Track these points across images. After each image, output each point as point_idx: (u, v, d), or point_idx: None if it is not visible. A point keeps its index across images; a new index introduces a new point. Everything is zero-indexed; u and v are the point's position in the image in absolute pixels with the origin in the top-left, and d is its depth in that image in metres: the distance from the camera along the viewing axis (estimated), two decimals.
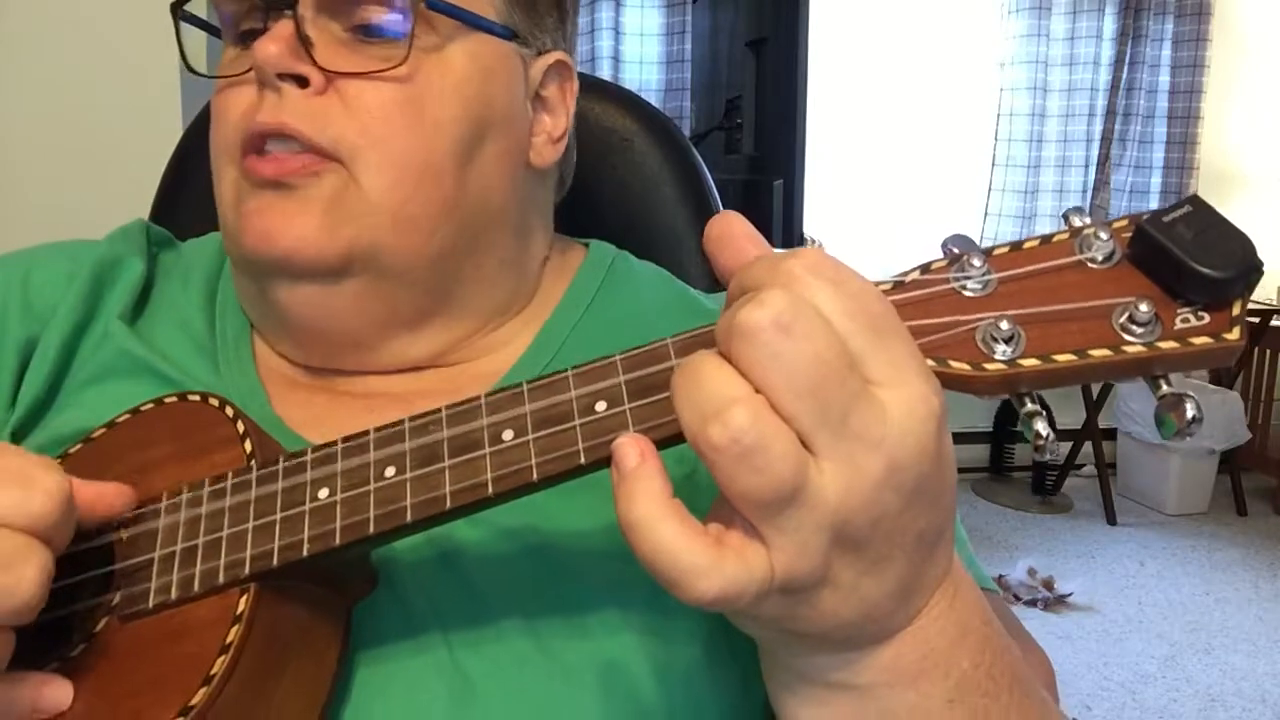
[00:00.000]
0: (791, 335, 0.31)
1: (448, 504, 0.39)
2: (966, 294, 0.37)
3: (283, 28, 0.51)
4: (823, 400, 0.32)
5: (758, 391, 0.32)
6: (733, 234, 0.37)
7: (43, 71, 1.61)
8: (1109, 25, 3.62)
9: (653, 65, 3.25)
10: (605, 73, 3.17)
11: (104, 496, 0.43)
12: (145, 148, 1.17)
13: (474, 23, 0.55)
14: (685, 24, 3.25)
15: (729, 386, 0.32)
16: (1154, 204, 3.76)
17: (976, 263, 0.37)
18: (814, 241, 3.57)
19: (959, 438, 3.74)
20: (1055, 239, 0.38)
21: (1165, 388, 0.36)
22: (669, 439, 0.37)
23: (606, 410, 0.38)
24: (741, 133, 3.57)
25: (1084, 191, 3.70)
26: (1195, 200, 0.36)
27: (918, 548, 0.36)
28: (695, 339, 0.38)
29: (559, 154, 0.62)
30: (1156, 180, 3.75)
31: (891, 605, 0.37)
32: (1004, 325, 0.36)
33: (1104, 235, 0.37)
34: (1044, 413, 0.36)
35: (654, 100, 3.19)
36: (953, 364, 0.36)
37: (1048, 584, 2.83)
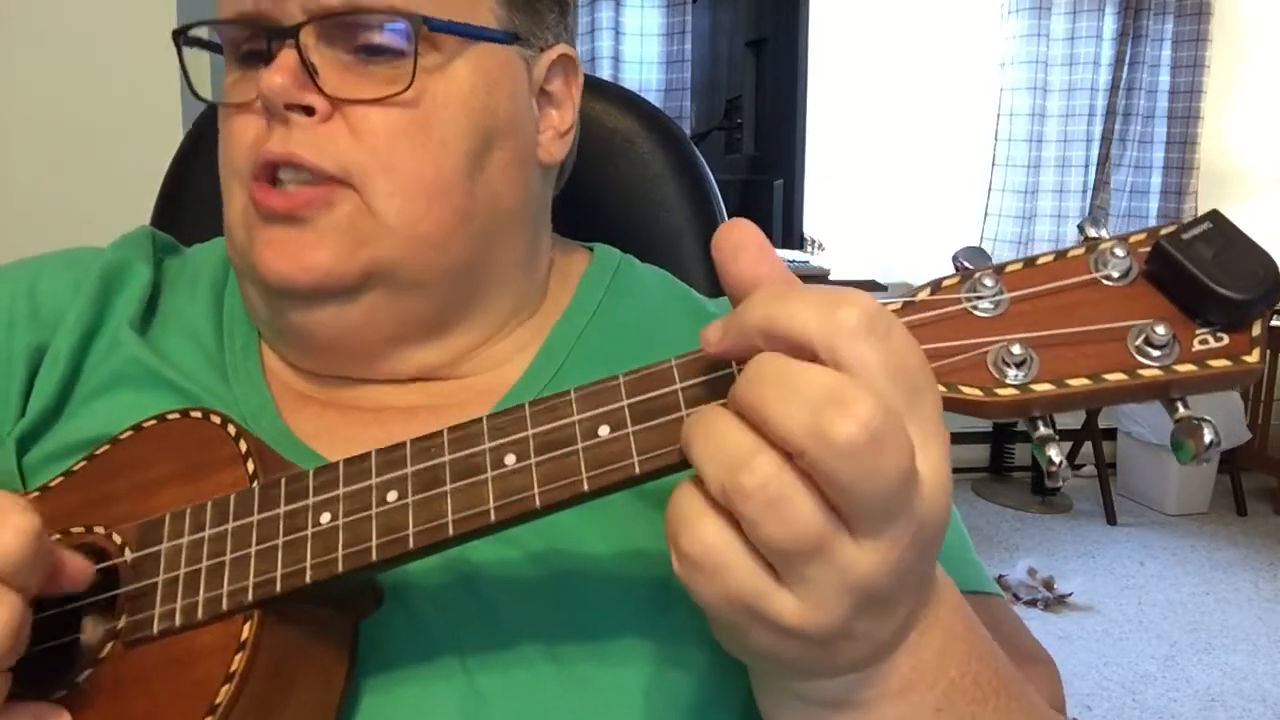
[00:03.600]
0: (884, 452, 0.31)
1: (450, 531, 0.38)
2: (978, 314, 0.37)
3: (286, 57, 0.51)
4: (895, 501, 0.32)
5: (837, 497, 0.32)
6: (745, 244, 0.37)
7: (43, 77, 1.60)
8: (1109, 25, 3.62)
9: (653, 65, 3.24)
10: (605, 73, 3.17)
11: (66, 570, 0.41)
12: (146, 152, 1.16)
13: (475, 35, 0.55)
14: (685, 24, 3.24)
15: (749, 438, 0.33)
16: (1154, 204, 3.76)
17: (989, 282, 0.37)
18: (814, 241, 3.57)
19: (959, 438, 3.74)
20: (1070, 254, 0.37)
21: (1182, 410, 0.35)
22: (670, 466, 0.37)
23: (610, 435, 0.37)
24: (741, 133, 3.58)
25: (1084, 191, 3.69)
26: (1216, 216, 0.35)
27: (920, 583, 0.37)
28: (699, 359, 0.38)
29: (567, 147, 0.62)
30: (1156, 180, 3.75)
31: (896, 638, 0.37)
32: (1016, 349, 0.36)
33: (1120, 252, 0.36)
34: (1057, 438, 0.36)
35: (654, 100, 3.17)
36: (964, 389, 0.36)
37: (1048, 584, 2.83)
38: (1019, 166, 3.65)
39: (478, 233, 0.56)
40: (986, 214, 3.69)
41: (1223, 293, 0.34)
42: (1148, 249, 0.36)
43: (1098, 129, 3.67)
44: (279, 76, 0.50)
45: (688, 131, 3.28)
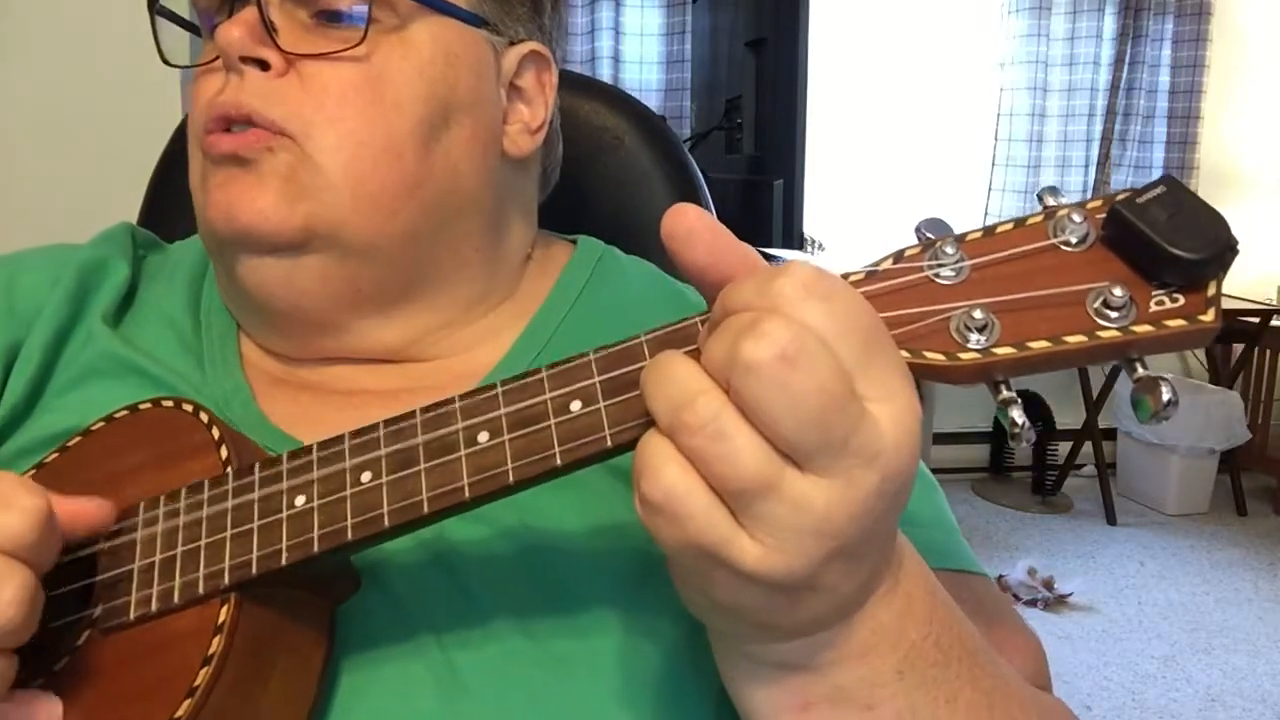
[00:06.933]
0: (796, 368, 0.32)
1: (425, 509, 0.39)
2: (940, 282, 0.37)
3: (247, 13, 0.52)
4: (825, 428, 0.32)
5: (762, 423, 0.32)
6: (697, 230, 0.38)
7: (40, 73, 1.61)
8: (1109, 25, 3.62)
9: (653, 65, 3.25)
10: (605, 73, 3.17)
11: (83, 514, 0.42)
12: (145, 149, 1.17)
13: (437, 6, 0.55)
14: (685, 24, 3.25)
15: (697, 379, 0.34)
16: None
17: (949, 250, 0.37)
18: (814, 241, 3.57)
19: (959, 438, 3.75)
20: (1029, 222, 0.38)
21: (1141, 370, 0.35)
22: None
23: (581, 409, 0.38)
24: (741, 133, 3.58)
25: (1084, 192, 3.69)
26: (1169, 180, 0.36)
27: (887, 540, 0.37)
28: (669, 336, 0.38)
29: (537, 145, 0.62)
30: None
31: (858, 598, 0.38)
32: (977, 314, 0.36)
33: (1077, 218, 0.37)
34: (1019, 400, 0.36)
35: (654, 100, 3.19)
36: (927, 355, 0.36)
37: (1048, 584, 2.82)
38: (1019, 166, 3.65)
39: (430, 206, 0.56)
40: (986, 213, 3.69)
41: (1177, 254, 0.34)
42: (1104, 215, 0.36)
43: (1098, 129, 3.67)
44: (236, 30, 0.52)
45: (688, 131, 3.29)
